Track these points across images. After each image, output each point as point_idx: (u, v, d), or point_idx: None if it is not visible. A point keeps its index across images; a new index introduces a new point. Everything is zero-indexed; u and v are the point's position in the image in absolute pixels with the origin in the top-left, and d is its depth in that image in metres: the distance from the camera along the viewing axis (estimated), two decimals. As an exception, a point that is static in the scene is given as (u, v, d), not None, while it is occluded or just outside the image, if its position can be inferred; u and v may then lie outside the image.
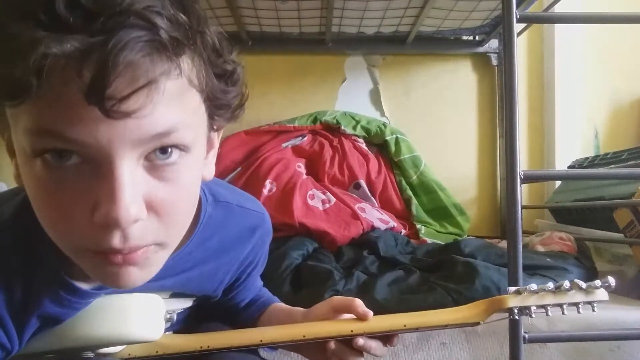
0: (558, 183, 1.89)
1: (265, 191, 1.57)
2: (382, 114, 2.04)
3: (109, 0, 0.33)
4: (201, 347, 0.58)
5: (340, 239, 1.46)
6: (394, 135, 1.84)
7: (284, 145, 1.76)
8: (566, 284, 0.59)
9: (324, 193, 1.62)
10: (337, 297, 0.64)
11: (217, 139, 0.49)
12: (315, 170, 1.74)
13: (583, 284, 0.59)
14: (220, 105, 0.44)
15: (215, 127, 0.46)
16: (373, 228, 1.54)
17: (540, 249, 1.41)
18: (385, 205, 1.75)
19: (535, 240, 1.50)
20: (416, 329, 0.60)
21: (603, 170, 1.49)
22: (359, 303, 0.61)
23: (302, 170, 1.70)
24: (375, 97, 2.05)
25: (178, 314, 0.63)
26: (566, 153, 1.96)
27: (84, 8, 0.32)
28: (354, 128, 1.84)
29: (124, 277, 0.41)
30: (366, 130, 1.84)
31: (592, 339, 0.93)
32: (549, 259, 1.22)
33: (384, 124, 1.88)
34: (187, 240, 0.53)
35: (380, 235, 1.43)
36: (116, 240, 0.38)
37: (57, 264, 0.47)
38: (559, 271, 1.16)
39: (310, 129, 1.82)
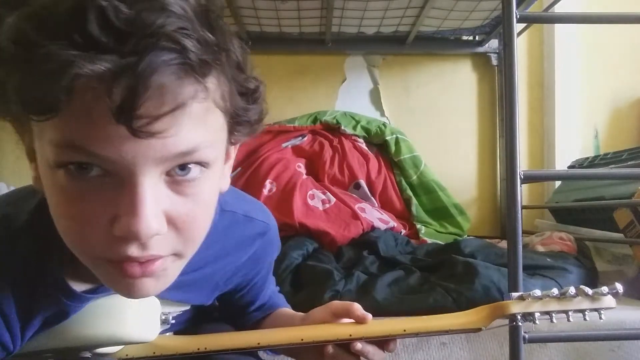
0: (558, 183, 1.89)
1: (265, 191, 1.57)
2: (382, 114, 2.04)
3: (140, 21, 0.33)
4: (198, 349, 0.58)
5: (340, 239, 1.46)
6: (394, 135, 1.84)
7: (284, 145, 1.76)
8: (571, 290, 0.58)
9: (324, 193, 1.62)
10: (336, 302, 0.64)
11: (233, 151, 0.50)
12: (315, 170, 1.74)
13: (589, 290, 0.58)
14: (241, 122, 0.44)
15: (233, 141, 0.46)
16: (373, 228, 1.54)
17: (540, 249, 1.41)
18: (385, 205, 1.75)
19: (535, 240, 1.50)
20: (416, 334, 0.59)
21: (603, 170, 1.49)
22: (357, 307, 0.61)
23: (302, 170, 1.70)
24: (375, 97, 2.05)
25: (177, 316, 0.63)
26: (566, 153, 1.96)
27: (116, 29, 0.33)
28: (354, 128, 1.84)
29: (140, 288, 0.41)
30: (366, 130, 1.84)
31: (592, 339, 0.93)
32: (549, 259, 1.22)
33: (384, 124, 1.88)
34: None
35: (380, 235, 1.43)
36: (134, 250, 0.39)
37: (60, 271, 0.48)
38: (559, 271, 1.16)
39: (310, 129, 1.82)
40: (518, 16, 0.86)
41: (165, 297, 0.56)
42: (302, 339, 0.59)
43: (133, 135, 0.35)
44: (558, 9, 1.66)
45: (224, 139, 0.43)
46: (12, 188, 1.61)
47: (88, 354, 0.56)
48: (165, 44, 0.34)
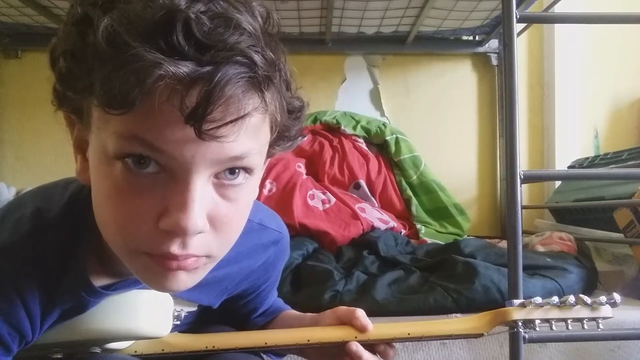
0: (558, 183, 1.89)
1: (265, 191, 1.57)
2: (382, 114, 2.04)
3: (218, 36, 0.37)
4: (206, 347, 0.59)
5: (340, 239, 1.46)
6: (394, 135, 1.84)
7: (284, 145, 1.76)
8: (571, 298, 0.59)
9: (324, 193, 1.62)
10: (342, 308, 0.65)
11: (266, 164, 0.52)
12: (315, 170, 1.74)
13: (588, 300, 0.59)
14: (283, 137, 0.47)
15: (269, 156, 0.49)
16: (373, 228, 1.54)
17: (540, 249, 1.41)
18: (385, 205, 1.75)
19: (535, 240, 1.50)
20: (420, 338, 0.60)
21: (603, 170, 1.49)
22: (360, 315, 0.61)
23: (302, 170, 1.70)
24: (375, 97, 2.05)
25: (185, 316, 0.64)
26: (566, 153, 1.96)
27: (198, 41, 0.37)
28: (354, 128, 1.84)
29: (173, 281, 0.43)
30: (366, 130, 1.84)
31: (592, 339, 0.93)
32: (549, 259, 1.22)
33: (384, 124, 1.88)
34: None
35: (380, 235, 1.43)
36: (175, 247, 0.41)
37: (84, 267, 0.50)
38: (559, 271, 1.16)
39: (310, 129, 1.82)
40: (518, 16, 0.86)
41: (177, 295, 0.57)
42: (308, 340, 0.60)
43: (198, 137, 0.38)
44: (558, 9, 1.65)
45: (265, 153, 0.46)
46: (11, 188, 1.62)
47: (97, 349, 0.57)
48: (239, 58, 0.38)
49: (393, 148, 1.82)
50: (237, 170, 0.42)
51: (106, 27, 0.37)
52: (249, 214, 0.48)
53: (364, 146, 1.82)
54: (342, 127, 1.82)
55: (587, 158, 1.81)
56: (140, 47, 0.36)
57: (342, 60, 2.04)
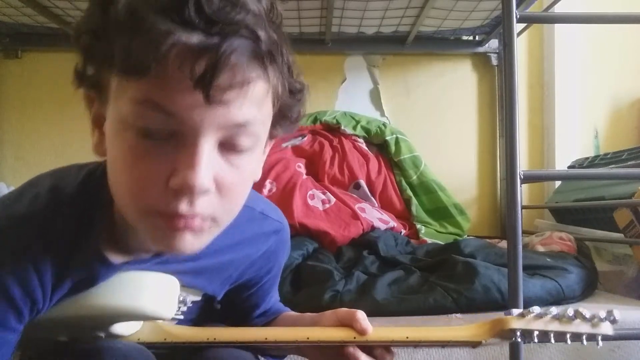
0: (558, 183, 1.89)
1: (265, 191, 1.57)
2: (382, 114, 2.04)
3: (226, 14, 0.42)
4: (207, 339, 0.60)
5: (340, 239, 1.46)
6: (394, 135, 1.84)
7: (284, 145, 1.76)
8: (570, 311, 0.59)
9: (324, 193, 1.62)
10: (343, 310, 0.65)
11: (268, 147, 0.56)
12: (315, 170, 1.74)
13: (587, 314, 0.59)
14: (284, 116, 0.52)
15: (271, 135, 0.53)
16: (373, 228, 1.54)
17: (540, 249, 1.41)
18: (385, 205, 1.75)
19: (535, 240, 1.50)
20: (418, 342, 0.60)
21: (603, 170, 1.49)
22: (360, 317, 0.62)
23: (302, 170, 1.70)
24: (375, 97, 2.05)
25: (189, 307, 0.65)
26: (566, 153, 1.97)
27: (207, 16, 0.41)
28: (354, 128, 1.84)
29: (180, 241, 0.46)
30: (366, 130, 1.84)
31: (592, 339, 0.92)
32: (549, 259, 1.22)
33: (384, 124, 1.88)
34: None
35: (380, 235, 1.43)
36: (184, 206, 0.44)
37: (98, 240, 0.53)
38: (559, 271, 1.16)
39: (310, 129, 1.83)
40: (518, 16, 0.86)
41: (184, 283, 0.58)
42: (307, 338, 0.60)
43: (205, 101, 0.42)
44: (558, 9, 1.66)
45: (268, 127, 0.50)
46: (11, 188, 1.62)
47: (101, 334, 0.57)
48: (244, 32, 0.42)
49: (393, 148, 1.82)
50: (241, 140, 0.46)
51: (126, 3, 0.42)
52: (249, 188, 0.51)
53: (364, 146, 1.82)
54: (342, 127, 1.82)
55: (587, 158, 1.81)
56: (155, 19, 0.40)
57: (342, 60, 2.04)
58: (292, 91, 0.51)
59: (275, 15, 0.47)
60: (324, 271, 1.18)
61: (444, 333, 0.61)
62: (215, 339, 0.60)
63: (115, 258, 0.54)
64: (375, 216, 1.59)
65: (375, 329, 0.61)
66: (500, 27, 1.83)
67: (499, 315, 0.62)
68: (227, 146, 0.46)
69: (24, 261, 0.49)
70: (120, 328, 0.58)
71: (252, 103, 0.45)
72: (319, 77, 2.01)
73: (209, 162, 0.44)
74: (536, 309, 0.59)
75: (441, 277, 1.13)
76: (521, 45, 2.02)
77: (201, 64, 0.41)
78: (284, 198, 1.54)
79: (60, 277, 0.52)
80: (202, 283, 0.63)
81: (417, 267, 1.21)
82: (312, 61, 2.00)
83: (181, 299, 0.61)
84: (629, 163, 1.54)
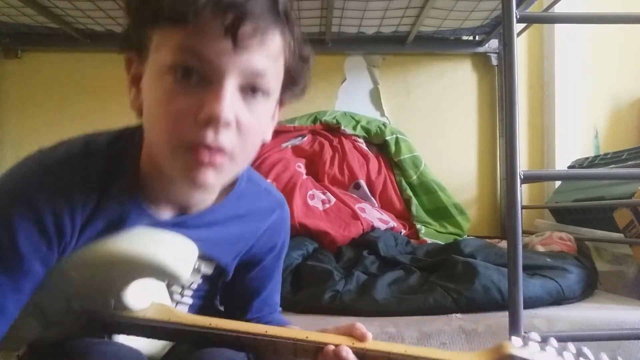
0: (558, 183, 1.89)
1: (265, 191, 1.57)
2: (382, 114, 2.04)
3: None
4: (210, 324, 0.62)
5: (340, 239, 1.46)
6: (394, 135, 1.84)
7: (284, 145, 1.76)
8: (572, 347, 0.59)
9: (324, 193, 1.62)
10: (343, 324, 0.66)
11: (277, 114, 0.64)
12: (315, 170, 1.74)
13: (590, 355, 0.59)
14: (293, 80, 0.60)
15: (281, 101, 0.61)
16: (373, 228, 1.54)
17: (540, 249, 1.41)
18: (385, 205, 1.75)
19: (535, 240, 1.50)
20: (415, 357, 0.60)
21: (603, 170, 1.49)
22: (360, 325, 0.64)
23: (302, 170, 1.70)
24: (375, 97, 2.05)
25: (197, 287, 0.70)
26: (566, 153, 1.97)
27: None
28: (354, 128, 1.84)
29: (203, 175, 0.54)
30: (366, 130, 1.84)
31: (592, 339, 0.93)
32: (549, 259, 1.22)
33: (384, 124, 1.88)
34: (225, 196, 0.67)
35: (380, 235, 1.43)
36: (210, 136, 0.52)
37: (134, 185, 0.60)
38: (559, 271, 1.16)
39: (310, 129, 1.83)
40: (518, 16, 0.86)
41: (200, 250, 0.63)
42: (307, 337, 0.61)
43: (233, 46, 0.51)
44: (558, 9, 1.66)
45: (279, 86, 0.59)
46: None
47: (113, 301, 0.60)
48: None
49: (393, 148, 1.82)
50: (257, 90, 0.55)
51: None
52: (262, 138, 0.60)
53: (364, 146, 1.83)
54: (342, 127, 1.82)
55: (587, 158, 1.81)
56: None
57: (342, 60, 2.04)
58: (301, 57, 0.60)
59: None
60: (324, 271, 1.19)
61: (444, 356, 0.61)
62: (217, 325, 0.62)
63: (143, 204, 0.61)
64: (375, 216, 1.59)
65: (374, 341, 0.62)
66: (500, 27, 1.83)
67: (500, 343, 0.61)
68: (246, 91, 0.54)
69: (58, 197, 0.56)
70: (132, 297, 0.61)
71: (268, 56, 0.54)
72: (319, 77, 2.01)
73: (231, 100, 0.52)
74: (536, 337, 0.59)
75: (441, 277, 1.13)
76: (521, 45, 2.02)
77: (230, 15, 0.50)
78: (284, 198, 1.54)
79: (91, 216, 0.58)
80: (217, 253, 0.68)
81: (417, 267, 1.22)
82: (312, 61, 1.99)
83: (196, 267, 0.66)
84: (629, 163, 1.54)
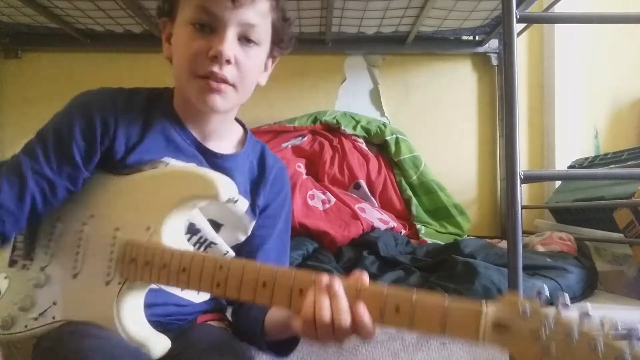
0: (558, 183, 1.89)
1: (265, 191, 1.57)
2: (382, 114, 2.04)
3: None
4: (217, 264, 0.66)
5: (340, 239, 1.46)
6: (394, 135, 1.84)
7: (284, 145, 1.76)
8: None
9: (324, 193, 1.62)
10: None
11: (270, 66, 0.86)
12: (315, 170, 1.74)
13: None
14: (280, 36, 0.82)
15: (272, 54, 0.83)
16: (373, 228, 1.54)
17: (540, 249, 1.41)
18: (385, 205, 1.75)
19: (535, 240, 1.50)
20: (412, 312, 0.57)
21: (603, 170, 1.49)
22: (356, 272, 0.67)
23: (302, 170, 1.70)
24: (375, 97, 2.05)
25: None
26: (566, 153, 1.96)
27: None
28: (354, 128, 1.84)
29: (213, 99, 0.75)
30: (366, 130, 1.84)
31: (592, 339, 0.92)
32: (549, 259, 1.22)
33: (384, 124, 1.88)
34: (242, 146, 0.87)
35: (380, 236, 1.43)
36: (217, 67, 0.74)
37: (171, 112, 0.81)
38: (559, 271, 1.16)
39: (310, 129, 1.82)
40: (518, 16, 0.86)
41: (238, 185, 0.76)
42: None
43: (232, 5, 0.73)
44: (558, 9, 1.66)
45: (269, 39, 0.80)
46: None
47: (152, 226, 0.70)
48: None
49: (393, 148, 1.82)
50: (251, 36, 0.76)
51: None
52: (257, 76, 0.81)
53: (364, 146, 1.82)
54: (342, 127, 1.82)
55: (587, 158, 1.81)
56: None
57: (342, 60, 2.04)
58: (284, 18, 0.81)
59: None
60: (323, 271, 1.18)
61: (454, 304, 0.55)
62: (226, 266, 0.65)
63: (180, 124, 0.81)
64: (375, 216, 1.59)
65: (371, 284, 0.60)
66: (500, 27, 1.83)
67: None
68: (242, 39, 0.75)
69: (109, 109, 0.76)
70: (167, 230, 0.69)
71: (259, 13, 0.76)
72: (319, 77, 2.01)
73: (231, 43, 0.74)
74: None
75: (441, 277, 1.13)
76: (521, 45, 2.02)
77: None
78: (284, 198, 1.54)
79: (140, 136, 0.77)
80: (245, 195, 0.83)
81: (417, 267, 1.21)
82: (312, 61, 2.00)
83: (236, 199, 0.79)
84: (629, 163, 1.54)
